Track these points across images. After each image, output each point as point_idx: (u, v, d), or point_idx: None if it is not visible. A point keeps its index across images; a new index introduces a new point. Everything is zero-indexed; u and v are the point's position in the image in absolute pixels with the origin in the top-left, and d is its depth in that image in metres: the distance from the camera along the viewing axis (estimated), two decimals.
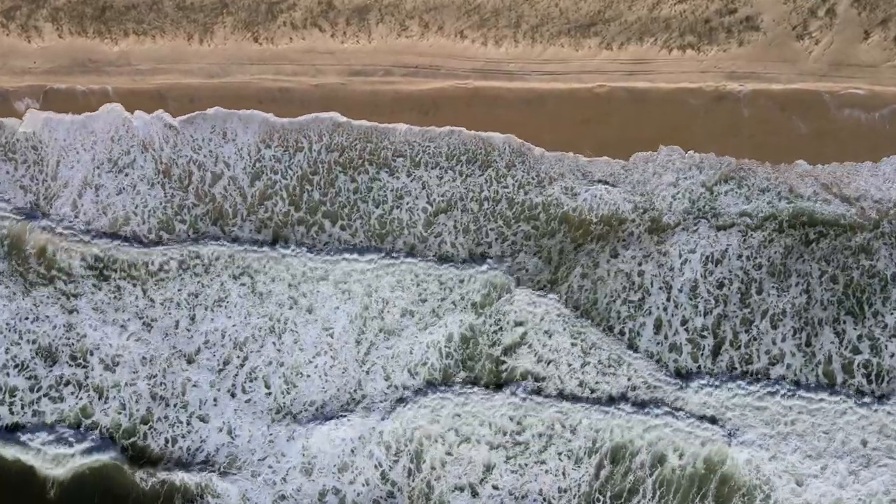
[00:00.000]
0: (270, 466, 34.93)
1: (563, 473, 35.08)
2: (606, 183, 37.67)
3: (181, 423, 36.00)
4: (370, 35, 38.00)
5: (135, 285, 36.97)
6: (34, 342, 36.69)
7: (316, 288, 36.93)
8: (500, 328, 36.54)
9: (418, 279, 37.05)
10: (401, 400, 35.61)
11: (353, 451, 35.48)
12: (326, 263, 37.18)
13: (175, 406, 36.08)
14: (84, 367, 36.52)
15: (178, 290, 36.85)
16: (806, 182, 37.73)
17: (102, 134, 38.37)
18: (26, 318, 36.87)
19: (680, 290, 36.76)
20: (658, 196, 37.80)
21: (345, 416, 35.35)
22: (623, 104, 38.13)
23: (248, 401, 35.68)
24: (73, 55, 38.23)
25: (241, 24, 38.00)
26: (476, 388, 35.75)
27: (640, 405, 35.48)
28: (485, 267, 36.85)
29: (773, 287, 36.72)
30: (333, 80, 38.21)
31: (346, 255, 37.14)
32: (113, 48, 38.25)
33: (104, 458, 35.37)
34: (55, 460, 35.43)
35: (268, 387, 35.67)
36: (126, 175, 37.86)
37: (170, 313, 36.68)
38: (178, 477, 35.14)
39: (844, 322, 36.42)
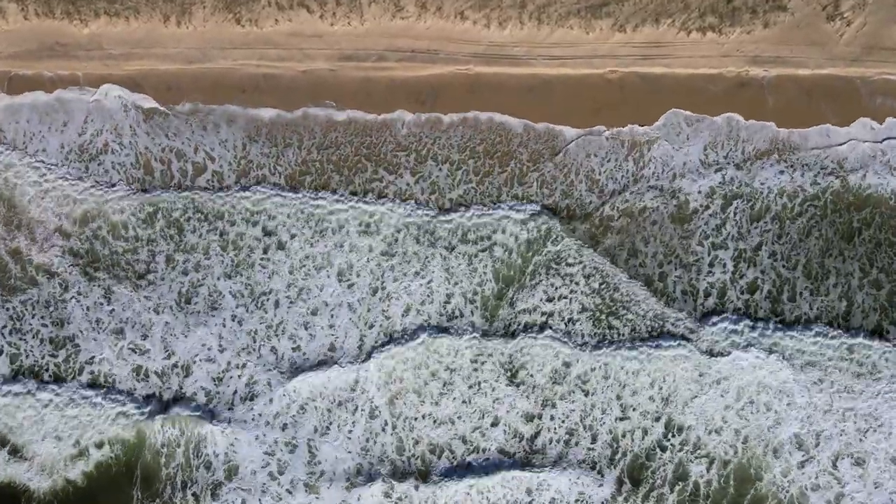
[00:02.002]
0: (274, 478, 34.22)
1: (583, 485, 33.88)
2: (666, 143, 36.08)
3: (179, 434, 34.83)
4: (362, 16, 36.41)
5: (126, 288, 35.45)
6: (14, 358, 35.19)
7: (317, 282, 35.18)
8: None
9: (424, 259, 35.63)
10: (390, 342, 34.85)
11: (358, 471, 34.35)
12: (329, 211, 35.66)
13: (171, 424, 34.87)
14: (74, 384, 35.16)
15: (169, 291, 35.37)
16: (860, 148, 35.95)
17: (73, 116, 36.54)
18: (4, 328, 35.16)
19: (706, 296, 35.26)
20: (687, 178, 36.19)
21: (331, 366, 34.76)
22: (637, 91, 36.63)
23: (248, 409, 34.78)
24: (39, 38, 36.51)
25: (221, 5, 36.26)
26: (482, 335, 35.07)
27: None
28: (518, 214, 35.24)
29: (806, 289, 35.24)
30: (322, 65, 36.70)
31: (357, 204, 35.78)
32: (83, 31, 36.49)
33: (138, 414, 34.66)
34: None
35: (270, 398, 34.68)
36: (100, 163, 36.34)
37: (161, 320, 35.35)
38: (178, 497, 34.15)
39: (888, 332, 34.89)
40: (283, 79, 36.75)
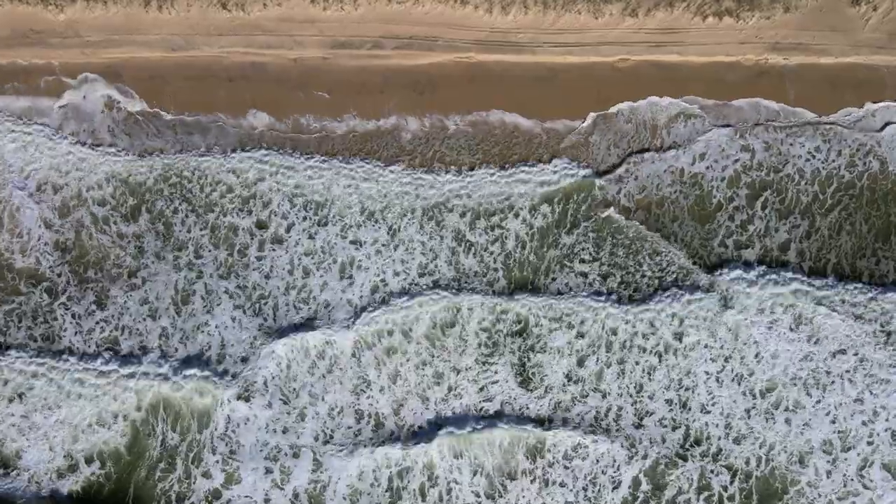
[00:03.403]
0: (279, 487, 33.50)
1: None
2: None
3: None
4: (356, 1, 35.38)
5: (120, 290, 34.66)
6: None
7: (320, 279, 34.43)
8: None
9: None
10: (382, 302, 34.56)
11: (360, 476, 33.60)
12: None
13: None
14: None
15: (165, 288, 34.46)
16: None
17: (50, 116, 35.99)
18: None
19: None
20: (709, 160, 35.42)
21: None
22: (649, 81, 35.59)
23: (249, 412, 34.04)
24: (12, 25, 35.63)
25: None
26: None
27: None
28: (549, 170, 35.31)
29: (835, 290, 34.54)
30: (314, 53, 35.78)
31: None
32: (58, 17, 35.74)
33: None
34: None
35: (270, 406, 33.91)
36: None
37: (157, 325, 34.62)
38: None
39: None
40: (272, 67, 35.93)
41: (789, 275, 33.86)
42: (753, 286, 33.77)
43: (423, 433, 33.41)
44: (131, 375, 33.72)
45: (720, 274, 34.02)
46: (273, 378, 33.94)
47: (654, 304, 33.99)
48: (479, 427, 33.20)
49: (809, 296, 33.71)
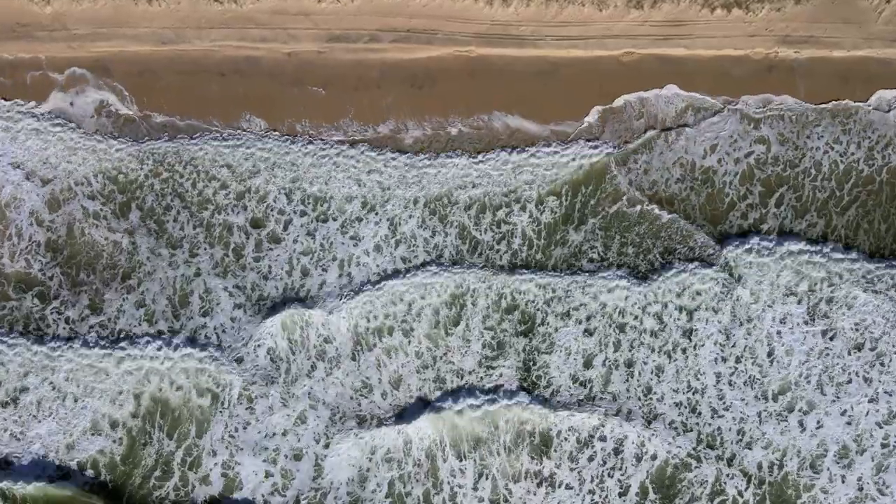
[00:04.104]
0: (280, 493, 33.19)
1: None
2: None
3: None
4: None
5: (115, 293, 34.34)
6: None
7: (319, 278, 34.32)
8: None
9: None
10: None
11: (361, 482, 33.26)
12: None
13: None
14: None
15: (161, 289, 34.28)
16: None
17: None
18: None
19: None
20: (720, 153, 34.96)
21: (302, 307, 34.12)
22: (655, 75, 35.20)
23: (249, 416, 33.81)
24: None
25: None
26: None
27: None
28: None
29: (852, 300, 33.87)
30: (309, 47, 35.59)
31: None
32: (45, 9, 35.48)
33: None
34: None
35: (270, 409, 33.66)
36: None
37: (154, 330, 34.37)
38: None
39: None
40: (266, 61, 35.68)
41: (803, 245, 33.58)
42: (767, 268, 33.29)
43: (414, 412, 33.22)
44: (129, 373, 33.28)
45: (732, 246, 33.57)
46: (273, 381, 33.46)
47: (661, 285, 33.57)
48: (476, 403, 32.85)
49: (825, 281, 33.15)
